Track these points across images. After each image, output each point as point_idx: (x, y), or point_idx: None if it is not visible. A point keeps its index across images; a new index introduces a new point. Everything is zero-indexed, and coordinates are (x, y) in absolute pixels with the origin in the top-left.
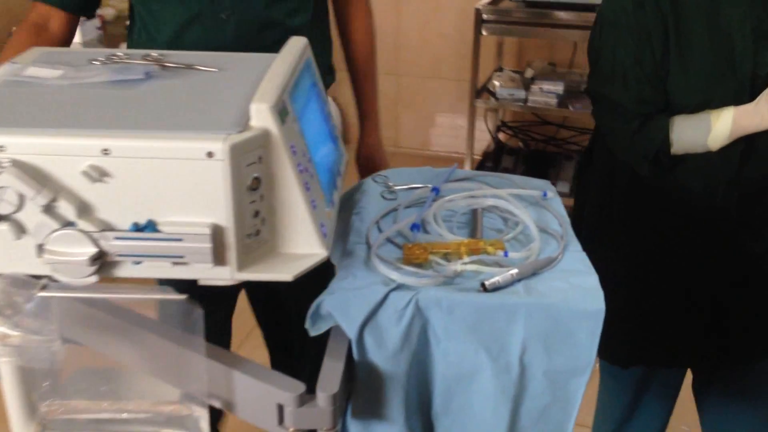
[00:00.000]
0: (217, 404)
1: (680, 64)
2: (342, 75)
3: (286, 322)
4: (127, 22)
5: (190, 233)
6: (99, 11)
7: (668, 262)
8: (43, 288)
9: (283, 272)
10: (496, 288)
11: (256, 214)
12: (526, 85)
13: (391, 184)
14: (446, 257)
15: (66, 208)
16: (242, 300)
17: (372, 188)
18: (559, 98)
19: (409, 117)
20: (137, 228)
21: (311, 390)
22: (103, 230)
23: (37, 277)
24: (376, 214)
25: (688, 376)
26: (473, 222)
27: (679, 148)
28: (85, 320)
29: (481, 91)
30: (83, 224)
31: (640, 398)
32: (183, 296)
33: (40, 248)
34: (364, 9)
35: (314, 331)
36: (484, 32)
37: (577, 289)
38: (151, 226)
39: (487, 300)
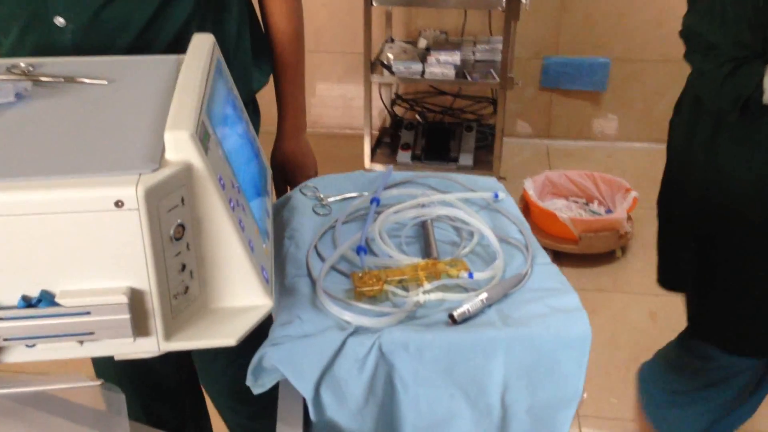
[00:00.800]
0: None
1: None
2: None
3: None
4: None
5: (99, 304)
6: None
7: (745, 219)
8: None
9: (223, 335)
10: (466, 318)
11: (183, 267)
12: (422, 56)
13: (322, 195)
14: (403, 285)
15: None
16: None
17: (301, 203)
18: (457, 69)
19: None
20: (27, 303)
21: None
22: None
23: None
24: (311, 234)
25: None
26: (424, 236)
27: None
28: None
29: (374, 64)
30: None
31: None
32: (97, 382)
33: None
34: None
35: (257, 388)
36: (374, 2)
37: (558, 314)
38: (46, 299)
39: (461, 336)
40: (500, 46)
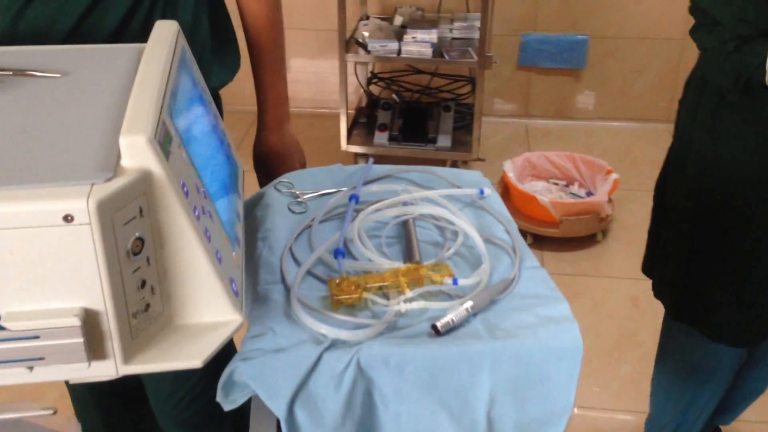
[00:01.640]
0: None
1: None
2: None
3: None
4: None
5: (50, 327)
6: None
7: (744, 200)
8: None
9: (188, 356)
10: (450, 329)
11: (143, 284)
12: (398, 34)
13: (297, 192)
14: (383, 291)
15: None
16: None
17: (275, 200)
18: (434, 47)
19: None
20: None
21: None
22: None
23: None
24: (286, 235)
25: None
26: (406, 236)
27: None
28: None
29: (349, 42)
30: None
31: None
32: (49, 411)
33: None
34: None
35: (228, 404)
36: None
37: (547, 324)
38: None
39: (444, 349)
40: (478, 24)
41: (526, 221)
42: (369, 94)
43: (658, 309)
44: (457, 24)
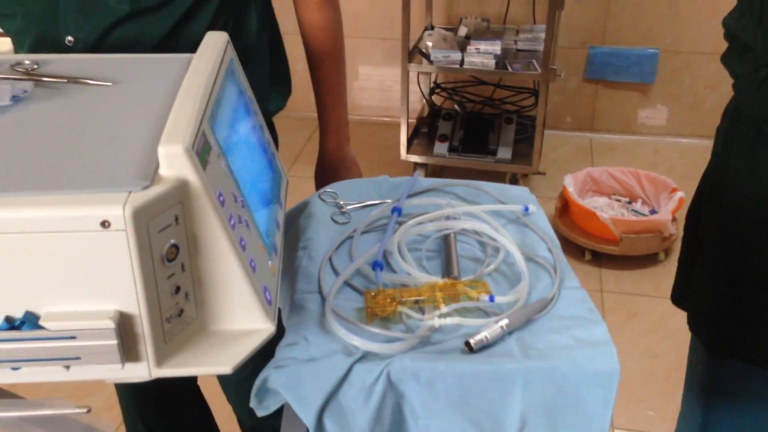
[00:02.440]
0: None
1: None
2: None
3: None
4: None
5: (85, 328)
6: None
7: None
8: None
9: (218, 362)
10: (484, 346)
11: (177, 290)
12: (461, 45)
13: (342, 202)
14: (419, 306)
15: None
16: None
17: (319, 210)
18: (497, 58)
19: None
20: (11, 325)
21: None
22: None
23: None
24: (326, 245)
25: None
26: (446, 251)
27: None
28: None
29: (413, 52)
30: None
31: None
32: (83, 409)
33: None
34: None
35: (262, 410)
36: None
37: (583, 346)
38: (30, 322)
39: (476, 367)
40: (543, 35)
41: (586, 237)
42: (431, 104)
43: None
44: (522, 35)
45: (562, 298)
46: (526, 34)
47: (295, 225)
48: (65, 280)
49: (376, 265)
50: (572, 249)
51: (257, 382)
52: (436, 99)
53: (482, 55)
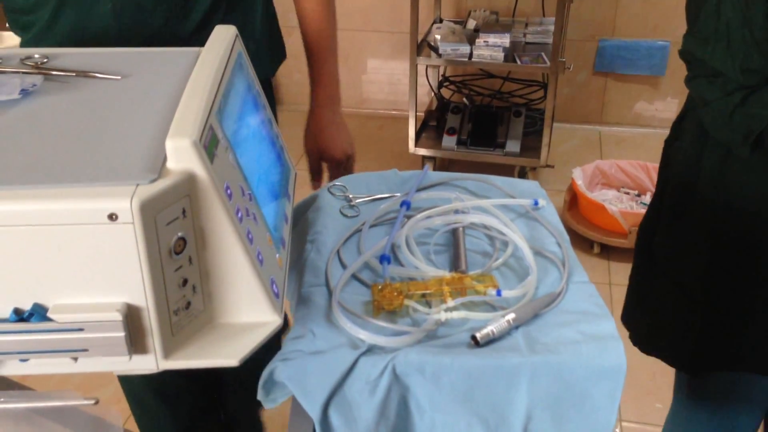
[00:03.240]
0: None
1: None
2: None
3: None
4: None
5: (93, 320)
6: None
7: (758, 256)
8: None
9: (225, 355)
10: (490, 341)
11: (184, 282)
12: (470, 38)
13: (351, 196)
14: (425, 299)
15: None
16: None
17: (328, 203)
18: (506, 51)
19: (343, 74)
20: (20, 316)
21: None
22: None
23: None
24: (334, 239)
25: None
26: (454, 245)
27: None
28: None
29: (422, 45)
30: None
31: (725, 412)
32: (91, 400)
33: None
34: None
35: (269, 402)
36: None
37: (590, 341)
38: (38, 314)
39: (481, 361)
40: (552, 28)
41: (594, 230)
42: (439, 97)
43: None
44: (531, 28)
45: (570, 293)
46: (535, 27)
47: (303, 218)
48: (73, 272)
49: (383, 259)
50: (581, 242)
51: (264, 374)
52: (445, 92)
53: (491, 48)
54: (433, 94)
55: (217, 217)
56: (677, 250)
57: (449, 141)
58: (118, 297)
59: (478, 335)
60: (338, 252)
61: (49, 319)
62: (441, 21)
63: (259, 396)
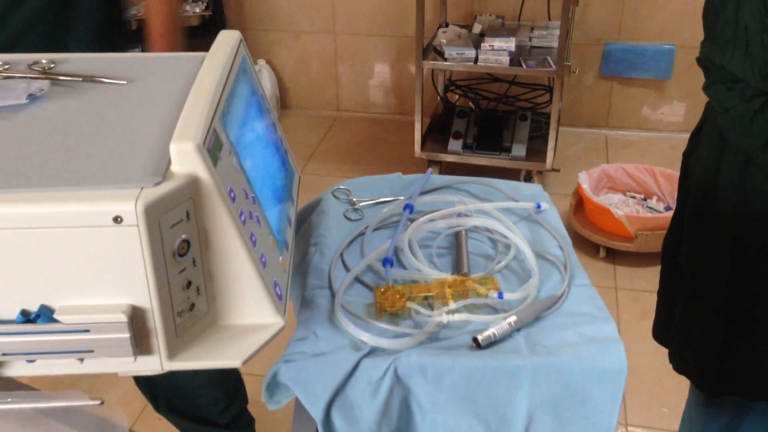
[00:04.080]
0: None
1: None
2: (278, 35)
3: None
4: None
5: (98, 322)
6: None
7: None
8: None
9: (229, 356)
10: (492, 343)
11: (188, 284)
12: (476, 42)
13: (354, 199)
14: (428, 301)
15: None
16: None
17: (332, 207)
18: (511, 55)
19: (349, 78)
20: (26, 318)
21: None
22: None
23: None
24: (338, 242)
25: None
26: (456, 247)
27: None
28: None
29: (427, 49)
30: None
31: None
32: (97, 401)
33: None
34: None
35: (273, 404)
36: None
37: (591, 343)
38: (45, 315)
39: (482, 363)
40: (558, 32)
41: (600, 234)
42: (445, 101)
43: None
44: (536, 32)
45: (572, 296)
46: (541, 31)
47: (307, 221)
48: (79, 274)
49: (386, 262)
50: (587, 246)
51: (268, 376)
52: (451, 96)
53: (497, 52)
54: (438, 98)
55: (220, 219)
56: (700, 262)
57: (455, 145)
58: (123, 298)
59: (479, 337)
60: (341, 255)
61: (56, 321)
62: (447, 25)
63: (263, 397)
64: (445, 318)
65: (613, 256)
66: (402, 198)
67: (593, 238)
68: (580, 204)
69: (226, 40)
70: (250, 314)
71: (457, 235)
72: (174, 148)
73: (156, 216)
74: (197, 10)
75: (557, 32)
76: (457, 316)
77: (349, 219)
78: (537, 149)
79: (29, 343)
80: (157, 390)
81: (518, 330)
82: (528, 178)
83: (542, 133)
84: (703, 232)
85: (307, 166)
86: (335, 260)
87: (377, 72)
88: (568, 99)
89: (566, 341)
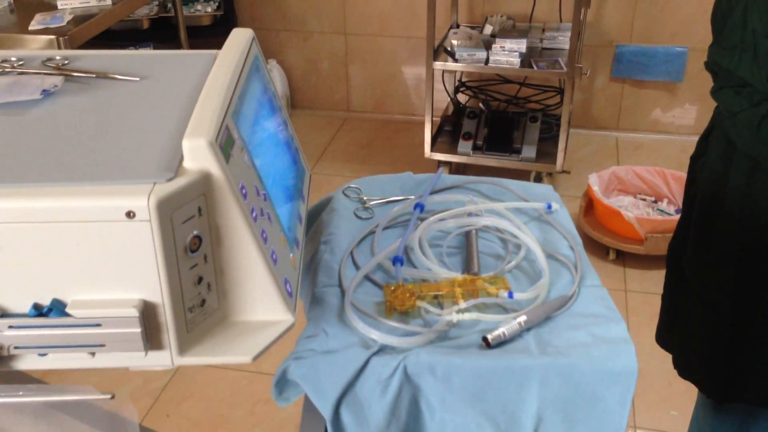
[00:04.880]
0: None
1: None
2: (289, 35)
3: None
4: None
5: (110, 316)
6: None
7: None
8: None
9: (239, 352)
10: (501, 342)
11: (200, 280)
12: (487, 43)
13: (365, 198)
14: (438, 300)
15: None
16: None
17: (342, 205)
18: (522, 57)
19: (360, 79)
20: (39, 312)
21: None
22: None
23: None
24: (348, 240)
25: None
26: (467, 247)
27: None
28: None
29: (438, 50)
30: None
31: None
32: (107, 395)
33: None
34: None
35: (282, 401)
36: None
37: (601, 344)
38: (57, 309)
39: (492, 362)
40: (569, 34)
41: (610, 236)
42: (456, 102)
43: None
44: (548, 34)
45: (582, 296)
46: (552, 33)
47: (318, 220)
48: (91, 268)
49: (396, 260)
50: (597, 248)
51: (277, 373)
52: (461, 97)
53: (507, 53)
54: (449, 99)
55: (231, 215)
56: (706, 267)
57: (465, 146)
58: (134, 293)
59: (489, 337)
60: (352, 253)
61: (68, 315)
62: (458, 26)
63: (272, 394)
64: (454, 317)
65: (623, 258)
66: (412, 197)
67: (603, 241)
68: (590, 206)
69: (239, 38)
70: (260, 311)
71: (467, 235)
72: (187, 144)
73: (168, 211)
74: (209, 9)
75: (568, 34)
76: (466, 315)
77: (359, 218)
78: (547, 151)
79: (41, 336)
80: None
81: (528, 330)
82: (538, 180)
83: (553, 134)
84: (710, 237)
85: (316, 166)
86: (345, 258)
87: (388, 73)
88: (578, 101)
89: (576, 342)
